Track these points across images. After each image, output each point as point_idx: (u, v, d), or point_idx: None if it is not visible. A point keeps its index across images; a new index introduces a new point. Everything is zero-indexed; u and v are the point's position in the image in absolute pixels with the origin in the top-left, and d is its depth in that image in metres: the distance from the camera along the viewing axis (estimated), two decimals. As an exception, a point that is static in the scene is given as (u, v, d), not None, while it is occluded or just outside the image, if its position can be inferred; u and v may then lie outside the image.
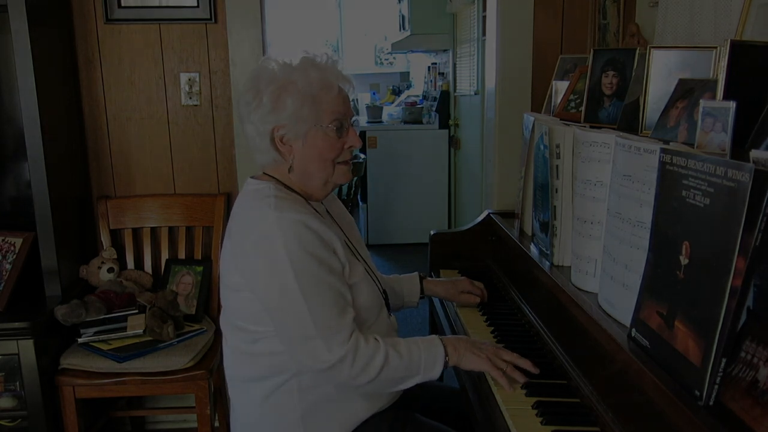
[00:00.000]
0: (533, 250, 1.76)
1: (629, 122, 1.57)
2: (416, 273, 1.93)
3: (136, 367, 2.19)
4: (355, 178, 5.09)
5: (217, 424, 2.50)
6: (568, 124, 1.62)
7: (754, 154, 0.97)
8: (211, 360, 2.30)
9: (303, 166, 1.46)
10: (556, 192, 1.60)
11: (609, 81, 1.73)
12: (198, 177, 2.71)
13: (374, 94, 7.41)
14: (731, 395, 0.89)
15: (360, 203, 5.95)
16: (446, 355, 1.44)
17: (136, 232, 2.65)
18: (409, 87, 7.51)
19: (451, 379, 1.72)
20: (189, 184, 2.71)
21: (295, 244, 1.34)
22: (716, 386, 0.91)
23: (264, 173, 1.52)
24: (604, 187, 1.35)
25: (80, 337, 2.26)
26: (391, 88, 7.71)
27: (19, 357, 2.13)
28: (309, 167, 1.47)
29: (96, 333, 2.27)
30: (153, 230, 2.65)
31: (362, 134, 5.61)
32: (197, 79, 2.64)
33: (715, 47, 1.36)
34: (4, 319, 2.16)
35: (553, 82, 2.12)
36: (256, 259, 1.38)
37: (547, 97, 2.18)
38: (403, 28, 6.04)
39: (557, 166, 1.59)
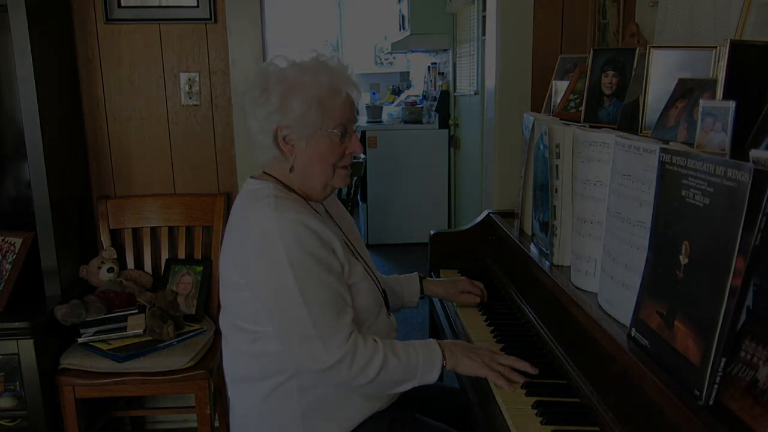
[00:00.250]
0: (533, 250, 1.76)
1: (629, 122, 1.57)
2: (416, 273, 1.93)
3: (136, 367, 2.19)
4: (355, 178, 5.09)
5: (217, 424, 2.50)
6: (568, 124, 1.62)
7: (753, 153, 0.97)
8: (211, 360, 2.30)
9: (304, 167, 1.46)
10: (556, 192, 1.60)
11: (609, 81, 1.73)
12: (198, 177, 2.71)
13: (374, 94, 7.41)
14: (731, 395, 0.89)
15: (360, 203, 5.95)
16: (443, 359, 1.44)
17: (136, 232, 2.65)
18: (409, 87, 7.51)
19: (451, 379, 1.72)
20: (189, 184, 2.71)
21: (295, 244, 1.34)
22: (716, 386, 0.91)
23: (264, 172, 1.52)
24: (604, 187, 1.35)
25: (80, 337, 2.26)
26: (391, 87, 7.71)
27: (19, 357, 2.13)
28: (310, 169, 1.47)
29: (96, 333, 2.27)
30: (153, 230, 2.65)
31: (362, 134, 5.61)
32: (197, 79, 2.64)
33: (715, 47, 1.36)
34: (4, 319, 2.16)
35: (553, 82, 2.12)
36: (256, 259, 1.38)
37: (546, 97, 2.18)
38: (403, 28, 6.04)
39: (557, 165, 1.59)
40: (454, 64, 5.33)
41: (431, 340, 1.49)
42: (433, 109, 5.71)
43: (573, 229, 1.48)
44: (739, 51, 1.19)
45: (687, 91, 1.34)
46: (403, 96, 7.04)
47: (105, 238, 2.60)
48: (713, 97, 1.22)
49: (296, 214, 1.37)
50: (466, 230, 2.34)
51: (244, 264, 1.40)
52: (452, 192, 5.66)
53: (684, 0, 1.74)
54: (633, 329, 1.14)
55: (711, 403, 0.91)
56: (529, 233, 1.86)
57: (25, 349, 2.13)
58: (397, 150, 5.66)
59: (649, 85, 1.51)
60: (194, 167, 2.70)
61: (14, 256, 2.30)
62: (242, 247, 1.41)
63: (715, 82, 1.24)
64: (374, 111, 6.35)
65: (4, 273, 2.28)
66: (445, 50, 5.60)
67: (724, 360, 0.90)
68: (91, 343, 2.25)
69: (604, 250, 1.33)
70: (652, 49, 1.51)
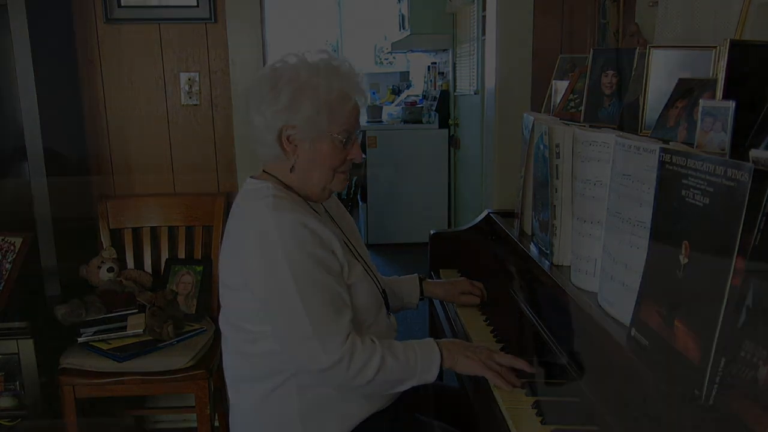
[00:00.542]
0: (533, 250, 1.76)
1: (629, 122, 1.57)
2: (416, 274, 1.93)
3: (136, 367, 2.19)
4: (355, 178, 5.09)
5: (217, 423, 2.50)
6: (568, 124, 1.62)
7: (753, 153, 0.97)
8: (211, 360, 2.30)
9: (305, 168, 1.46)
10: (556, 192, 1.60)
11: (608, 81, 1.73)
12: (198, 177, 2.71)
13: (374, 93, 7.41)
14: (731, 395, 0.89)
15: (360, 203, 5.95)
16: (441, 358, 1.44)
17: (136, 232, 2.65)
18: (408, 87, 7.51)
19: (451, 379, 1.72)
20: (189, 184, 2.71)
21: (294, 244, 1.34)
22: (716, 386, 0.91)
23: (264, 171, 1.52)
24: (604, 186, 1.35)
25: (80, 337, 2.26)
26: (390, 87, 7.71)
27: (19, 357, 2.13)
28: (310, 170, 1.47)
29: (96, 333, 2.27)
30: (153, 230, 2.65)
31: (362, 134, 5.61)
32: (197, 79, 2.64)
33: (715, 47, 1.36)
34: (4, 318, 2.16)
35: (553, 82, 2.12)
36: (255, 259, 1.38)
37: (546, 97, 2.18)
38: (403, 28, 6.04)
39: (557, 165, 1.59)
40: (454, 64, 5.33)
41: (429, 339, 1.49)
42: (433, 108, 5.71)
43: (573, 229, 1.48)
44: (739, 51, 1.19)
45: (687, 91, 1.34)
46: (403, 96, 7.04)
47: (105, 238, 2.60)
48: (713, 97, 1.22)
49: (295, 214, 1.37)
50: (466, 230, 2.34)
51: (243, 264, 1.40)
52: (452, 192, 5.66)
53: (684, 0, 1.74)
54: (633, 329, 1.14)
55: (711, 403, 0.91)
56: (529, 233, 1.86)
57: (25, 349, 2.13)
58: (397, 150, 5.66)
59: (649, 85, 1.51)
60: (194, 167, 2.70)
61: (14, 256, 2.30)
62: (241, 246, 1.41)
63: (714, 81, 1.23)
64: (374, 111, 6.35)
65: (4, 273, 2.28)
66: (445, 50, 5.60)
67: (724, 360, 0.90)
68: (91, 343, 2.26)
69: (604, 250, 1.33)
70: (652, 49, 1.51)
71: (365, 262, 1.58)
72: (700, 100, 1.18)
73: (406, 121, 6.03)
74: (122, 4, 2.57)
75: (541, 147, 1.65)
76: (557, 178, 1.59)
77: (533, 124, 1.78)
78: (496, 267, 2.18)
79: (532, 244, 1.79)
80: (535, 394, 1.38)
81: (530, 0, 2.61)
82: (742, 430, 0.84)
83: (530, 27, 2.62)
